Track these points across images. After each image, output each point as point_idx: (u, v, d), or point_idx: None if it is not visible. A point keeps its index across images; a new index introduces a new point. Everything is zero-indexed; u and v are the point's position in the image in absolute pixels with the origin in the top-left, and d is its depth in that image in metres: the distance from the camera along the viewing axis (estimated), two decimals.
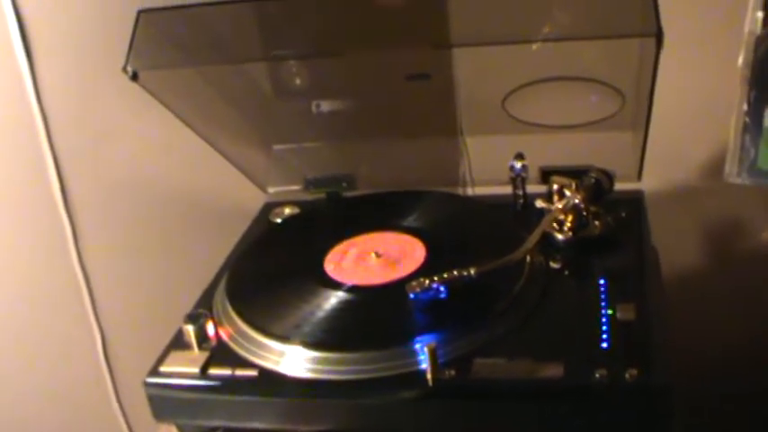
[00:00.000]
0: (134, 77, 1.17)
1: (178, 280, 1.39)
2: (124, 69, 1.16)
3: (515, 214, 1.26)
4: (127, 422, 1.78)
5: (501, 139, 1.30)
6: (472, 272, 1.01)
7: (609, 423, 0.91)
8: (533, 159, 1.25)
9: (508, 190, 1.27)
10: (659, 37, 0.98)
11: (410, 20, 1.19)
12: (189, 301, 1.15)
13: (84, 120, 1.51)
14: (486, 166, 1.39)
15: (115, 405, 1.76)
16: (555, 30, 1.09)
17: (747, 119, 1.05)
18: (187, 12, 1.20)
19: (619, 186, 1.20)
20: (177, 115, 1.25)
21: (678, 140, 1.34)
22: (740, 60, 1.03)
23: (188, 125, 1.27)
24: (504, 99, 1.27)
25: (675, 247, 1.36)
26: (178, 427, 1.06)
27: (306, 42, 1.23)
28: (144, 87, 1.19)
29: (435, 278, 1.01)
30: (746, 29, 1.02)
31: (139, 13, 1.18)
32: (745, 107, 1.05)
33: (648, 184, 1.25)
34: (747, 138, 1.06)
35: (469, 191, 1.43)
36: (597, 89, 1.23)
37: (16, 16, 1.41)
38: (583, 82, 1.24)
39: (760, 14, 1.00)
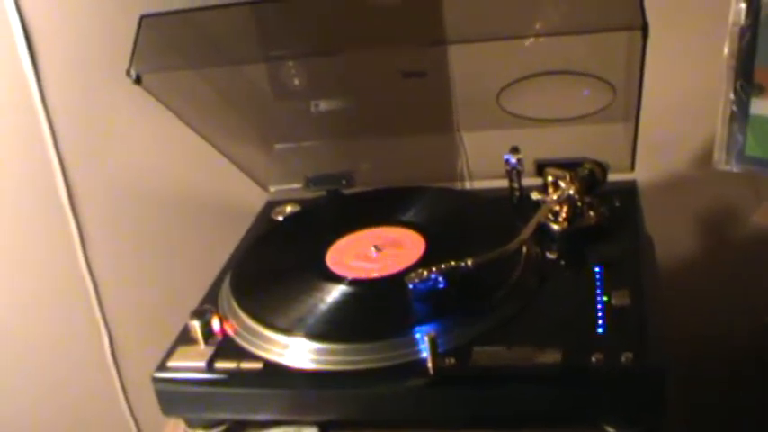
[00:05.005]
0: (137, 81, 1.19)
1: (183, 278, 1.40)
2: (128, 73, 1.18)
3: (512, 207, 1.27)
4: (135, 419, 1.80)
5: (497, 134, 1.31)
6: (469, 262, 1.03)
7: (606, 406, 0.94)
8: (529, 152, 1.26)
9: (505, 183, 1.28)
10: (645, 30, 0.99)
11: (405, 18, 1.20)
12: (194, 299, 1.17)
13: (89, 123, 1.52)
14: (483, 161, 1.40)
15: (123, 402, 1.77)
16: (545, 25, 1.11)
17: (734, 107, 1.07)
18: (187, 16, 1.22)
19: (612, 177, 1.22)
20: (179, 117, 1.27)
21: (669, 130, 1.35)
22: (725, 50, 1.05)
23: (190, 126, 1.29)
24: (499, 94, 1.29)
25: (669, 234, 1.37)
26: (186, 421, 1.08)
27: (303, 42, 1.25)
28: (147, 90, 1.21)
29: (433, 269, 1.02)
30: (731, 20, 1.04)
31: (142, 18, 1.20)
32: (731, 96, 1.07)
33: (641, 173, 1.27)
34: (735, 126, 1.08)
35: (467, 185, 1.45)
36: (589, 82, 1.24)
37: (21, 22, 1.43)
38: (575, 76, 1.25)
39: (743, 6, 1.03)
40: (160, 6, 1.22)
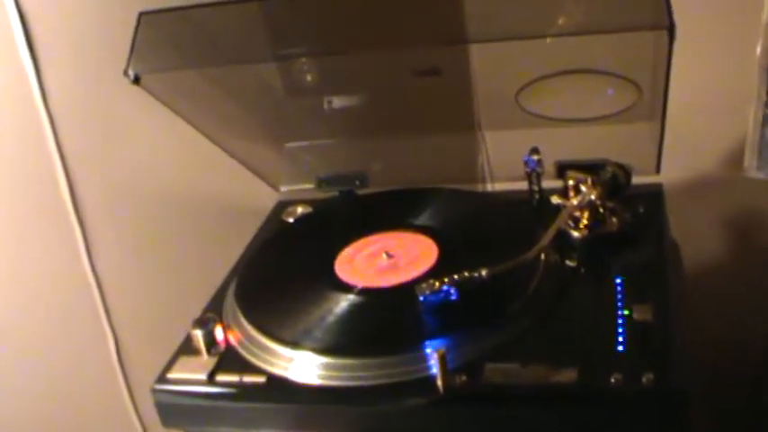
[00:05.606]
0: (136, 81, 1.16)
1: (191, 281, 1.39)
2: (125, 73, 1.16)
3: (531, 210, 1.23)
4: (142, 424, 1.80)
5: (519, 134, 1.28)
6: (483, 273, 0.99)
7: (625, 428, 0.89)
8: (550, 153, 1.22)
9: (525, 185, 1.24)
10: (671, 30, 0.95)
11: (424, 15, 1.16)
12: (201, 300, 1.15)
13: (92, 123, 1.51)
14: (504, 161, 1.37)
15: (130, 408, 1.78)
16: (569, 24, 1.07)
17: (766, 110, 1.04)
18: (189, 13, 1.19)
19: (637, 180, 1.18)
20: (182, 117, 1.24)
21: (697, 132, 1.31)
22: (758, 50, 1.02)
23: (195, 126, 1.27)
24: (520, 93, 1.25)
25: (695, 238, 1.35)
26: None
27: (316, 40, 1.21)
28: (147, 90, 1.18)
29: (446, 279, 0.99)
30: (764, 17, 1.00)
31: (141, 15, 1.17)
32: (764, 98, 1.03)
33: (668, 176, 1.23)
34: (767, 129, 1.04)
35: (488, 186, 1.42)
36: (613, 82, 1.21)
37: (21, 21, 1.42)
38: (599, 75, 1.21)
39: None
40: (162, 3, 1.19)
